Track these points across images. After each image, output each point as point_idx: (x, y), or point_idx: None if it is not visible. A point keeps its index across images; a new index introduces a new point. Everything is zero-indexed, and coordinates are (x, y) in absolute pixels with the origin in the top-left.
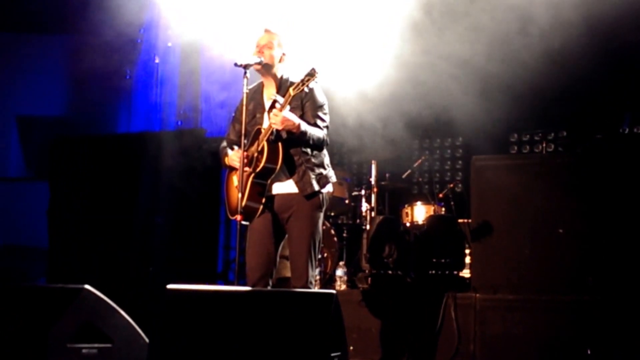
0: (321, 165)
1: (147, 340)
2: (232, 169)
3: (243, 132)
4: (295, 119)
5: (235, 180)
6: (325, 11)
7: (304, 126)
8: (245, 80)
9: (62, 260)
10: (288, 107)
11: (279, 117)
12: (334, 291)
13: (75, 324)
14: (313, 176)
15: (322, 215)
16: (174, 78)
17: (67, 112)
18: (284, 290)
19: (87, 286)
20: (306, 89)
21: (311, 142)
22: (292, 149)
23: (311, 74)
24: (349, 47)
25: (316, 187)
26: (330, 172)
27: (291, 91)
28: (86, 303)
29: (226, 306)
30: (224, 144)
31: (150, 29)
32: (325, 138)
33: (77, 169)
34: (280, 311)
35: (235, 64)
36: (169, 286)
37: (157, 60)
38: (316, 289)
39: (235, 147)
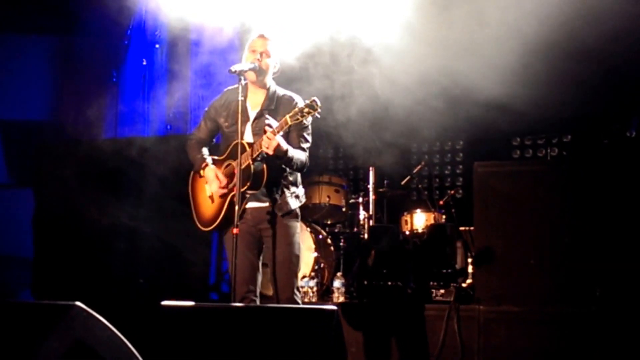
0: (295, 183)
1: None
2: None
3: (240, 146)
4: (284, 144)
5: (207, 189)
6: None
7: (291, 152)
8: (240, 87)
9: (47, 271)
10: (281, 133)
11: (274, 143)
12: (335, 307)
13: (65, 343)
14: (289, 194)
15: (298, 224)
16: (162, 81)
17: (51, 116)
18: (284, 306)
19: (78, 303)
20: (305, 122)
21: (295, 166)
22: (272, 167)
23: (313, 107)
24: (343, 45)
25: (292, 206)
26: (301, 191)
27: (289, 119)
28: (77, 321)
29: (224, 323)
30: (192, 141)
31: (138, 30)
32: (306, 161)
33: (62, 175)
34: (280, 328)
35: (230, 71)
36: (164, 303)
37: (144, 63)
38: (300, 303)
39: (208, 159)
